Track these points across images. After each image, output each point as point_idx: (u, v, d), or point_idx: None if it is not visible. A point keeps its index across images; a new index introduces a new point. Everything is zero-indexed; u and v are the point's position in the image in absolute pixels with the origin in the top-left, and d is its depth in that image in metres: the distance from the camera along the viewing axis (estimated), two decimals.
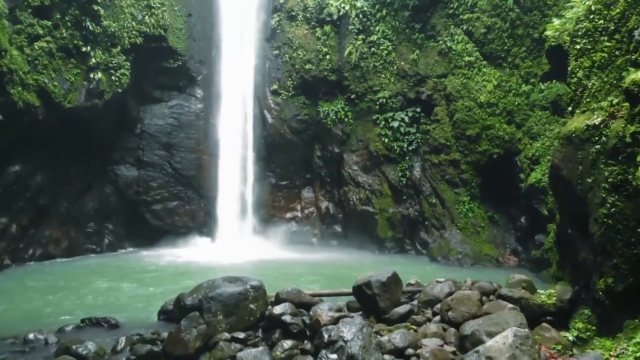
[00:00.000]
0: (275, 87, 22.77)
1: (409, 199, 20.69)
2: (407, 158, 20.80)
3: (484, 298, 9.54)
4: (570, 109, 10.08)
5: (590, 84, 9.51)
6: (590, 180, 9.04)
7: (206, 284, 9.36)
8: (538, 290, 9.84)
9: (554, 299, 9.62)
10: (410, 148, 20.77)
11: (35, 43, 16.79)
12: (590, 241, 9.21)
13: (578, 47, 9.86)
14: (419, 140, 20.74)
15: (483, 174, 19.31)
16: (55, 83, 17.30)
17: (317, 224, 23.01)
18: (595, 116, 9.11)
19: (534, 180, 16.16)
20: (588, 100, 9.51)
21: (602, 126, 8.86)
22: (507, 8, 18.35)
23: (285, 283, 14.46)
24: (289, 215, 23.19)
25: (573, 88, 9.93)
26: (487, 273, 16.81)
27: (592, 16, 9.70)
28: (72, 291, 13.60)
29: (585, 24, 9.80)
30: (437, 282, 10.16)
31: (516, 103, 18.23)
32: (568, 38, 10.13)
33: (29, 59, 16.56)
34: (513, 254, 18.46)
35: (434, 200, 19.76)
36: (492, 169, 19.06)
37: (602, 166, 8.72)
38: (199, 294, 9.07)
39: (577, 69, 9.85)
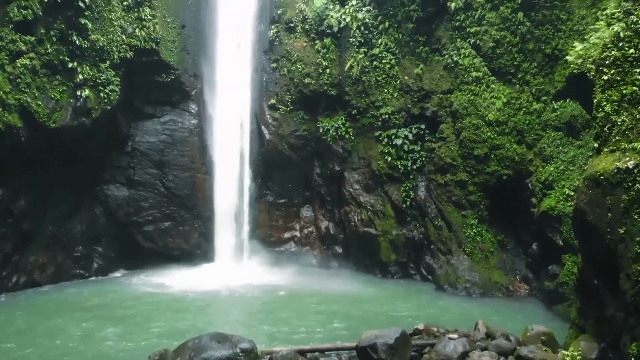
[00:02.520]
0: (273, 101, 21.78)
1: (413, 221, 19.69)
2: (411, 177, 19.80)
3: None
4: (596, 145, 9.09)
5: (620, 120, 8.53)
6: (622, 230, 8.06)
7: (192, 343, 8.41)
8: (561, 351, 8.88)
9: (578, 359, 8.65)
10: (414, 167, 19.77)
11: (18, 60, 15.83)
12: (621, 298, 8.22)
13: (605, 77, 8.88)
14: (423, 159, 19.74)
15: (491, 195, 18.32)
16: (39, 102, 16.34)
17: (316, 245, 22.00)
18: (627, 158, 8.14)
19: (547, 207, 15.16)
20: (618, 138, 8.53)
21: (635, 171, 7.89)
22: (517, 21, 17.35)
23: (281, 323, 13.59)
24: (287, 235, 22.18)
25: (600, 123, 8.95)
26: (497, 305, 15.92)
27: (621, 44, 8.72)
28: (42, 336, 12.38)
29: (613, 52, 8.82)
30: (450, 338, 9.17)
31: (527, 122, 17.22)
32: (593, 66, 9.14)
33: (11, 77, 15.63)
34: (524, 281, 17.47)
35: (439, 223, 18.76)
36: (501, 190, 18.08)
37: (636, 217, 7.76)
38: (183, 357, 8.10)
39: (605, 102, 8.87)
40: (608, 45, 8.98)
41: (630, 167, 7.92)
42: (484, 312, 14.63)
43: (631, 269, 7.82)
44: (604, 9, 14.42)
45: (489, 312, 14.79)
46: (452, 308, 15.34)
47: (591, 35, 9.88)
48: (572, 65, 9.75)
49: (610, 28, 8.96)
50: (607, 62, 8.90)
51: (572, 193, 14.68)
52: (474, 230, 18.14)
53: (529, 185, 16.93)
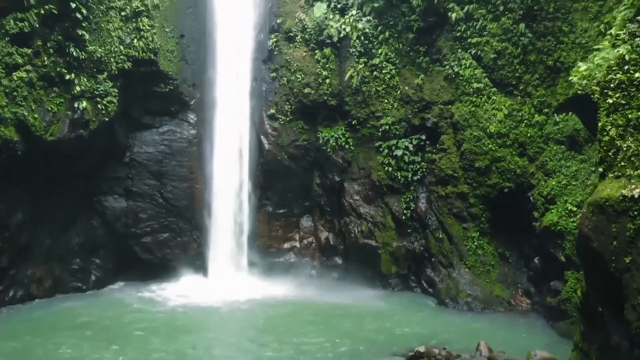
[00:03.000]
0: (272, 111, 21.59)
1: (414, 233, 19.52)
2: (411, 189, 19.62)
3: None
4: (601, 170, 8.91)
5: (625, 145, 8.36)
6: (627, 260, 7.89)
7: None
8: None
9: None
10: (414, 178, 19.59)
11: (14, 73, 15.66)
12: (626, 328, 8.05)
13: (610, 101, 8.70)
14: (424, 170, 19.56)
15: (493, 208, 18.14)
16: (36, 115, 16.16)
17: (316, 255, 21.82)
18: (633, 186, 7.96)
19: (549, 222, 14.98)
20: (623, 164, 8.35)
21: None
22: (518, 33, 17.16)
23: (284, 345, 13.31)
24: (286, 245, 21.99)
25: (605, 147, 8.77)
26: (499, 320, 15.79)
27: (626, 67, 8.55)
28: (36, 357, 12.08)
29: (618, 75, 8.64)
30: None
31: (528, 135, 17.04)
32: (597, 88, 8.96)
33: (7, 90, 15.46)
34: (525, 295, 17.28)
35: (440, 235, 18.59)
36: (503, 203, 17.89)
37: None
38: None
39: (609, 127, 8.69)
40: (613, 68, 8.80)
41: (636, 195, 7.75)
42: (486, 329, 14.51)
43: (637, 299, 7.65)
44: (607, 22, 14.39)
45: (491, 329, 14.64)
46: (454, 324, 15.17)
47: (595, 55, 9.69)
48: (576, 86, 9.57)
49: (616, 50, 8.77)
50: (612, 85, 8.72)
51: (574, 209, 14.54)
52: (475, 243, 17.97)
53: (531, 198, 16.75)
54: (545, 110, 16.93)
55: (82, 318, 15.60)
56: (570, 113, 15.83)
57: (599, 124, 8.92)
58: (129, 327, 14.76)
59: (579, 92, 9.48)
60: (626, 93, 8.50)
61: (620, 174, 8.36)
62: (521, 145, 17.24)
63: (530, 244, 17.22)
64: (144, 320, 15.24)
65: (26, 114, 15.84)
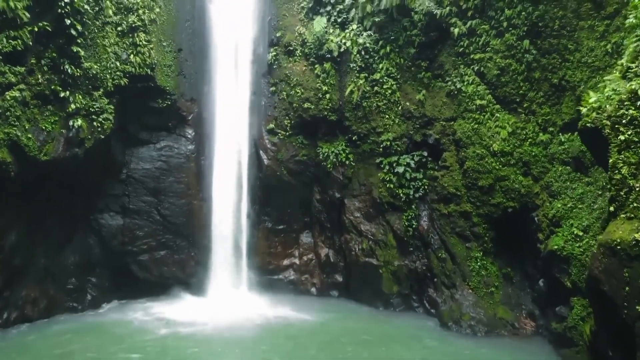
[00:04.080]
0: (271, 125, 21.25)
1: (415, 251, 19.15)
2: (413, 206, 19.26)
3: None
4: (612, 209, 8.56)
5: (638, 185, 8.01)
6: None
7: None
8: None
9: None
10: (416, 195, 19.23)
11: (7, 93, 15.25)
12: None
13: (622, 137, 8.37)
14: (426, 187, 19.21)
15: (496, 227, 17.78)
16: (30, 135, 15.79)
17: (316, 273, 21.46)
18: None
19: (555, 246, 14.61)
20: (636, 205, 8.01)
21: None
22: (522, 49, 16.80)
23: None
24: (286, 262, 21.64)
25: (616, 186, 8.42)
26: (503, 346, 15.44)
27: (639, 102, 8.21)
28: None
29: (630, 110, 8.32)
30: None
31: (533, 154, 16.68)
32: (608, 123, 8.61)
33: (0, 111, 15.09)
34: (530, 317, 16.92)
35: (443, 255, 18.22)
36: (506, 222, 17.53)
37: None
38: None
39: (621, 164, 8.35)
40: (625, 102, 8.48)
41: None
42: (491, 356, 14.15)
43: None
44: (614, 42, 14.05)
45: (495, 356, 14.29)
46: (458, 351, 14.80)
47: (605, 86, 9.34)
48: (585, 118, 9.21)
49: (628, 84, 8.42)
50: (623, 121, 8.39)
51: (580, 233, 14.19)
52: (478, 263, 17.60)
53: (535, 219, 16.40)
54: (550, 128, 16.57)
55: (76, 344, 15.20)
56: (575, 133, 15.44)
57: (610, 161, 8.58)
58: (125, 352, 14.39)
59: (588, 124, 9.10)
60: (639, 130, 8.16)
61: (632, 215, 8.02)
62: (525, 164, 16.88)
63: (534, 264, 16.87)
64: (139, 348, 14.80)
65: (19, 134, 15.48)
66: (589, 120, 9.10)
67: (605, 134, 8.72)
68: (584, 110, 9.40)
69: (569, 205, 14.93)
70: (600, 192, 14.22)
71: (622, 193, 8.29)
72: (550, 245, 14.83)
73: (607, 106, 8.82)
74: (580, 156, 15.10)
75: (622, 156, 8.31)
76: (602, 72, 14.38)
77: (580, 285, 13.88)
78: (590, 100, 9.25)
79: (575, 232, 14.28)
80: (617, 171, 8.42)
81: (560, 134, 16.13)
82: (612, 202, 8.56)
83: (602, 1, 14.49)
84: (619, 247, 7.93)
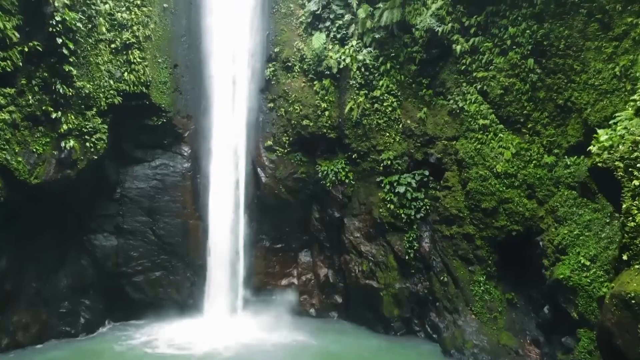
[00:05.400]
0: (269, 142, 20.81)
1: (417, 274, 18.69)
2: (414, 227, 18.80)
3: None
4: (625, 258, 8.08)
5: None
6: None
7: None
8: None
9: None
10: (418, 216, 18.77)
11: None
12: None
13: (637, 182, 7.89)
14: (427, 208, 18.75)
15: (500, 250, 17.30)
16: (20, 158, 15.34)
17: (315, 293, 21.01)
18: None
19: (561, 275, 14.12)
20: None
21: None
22: (527, 68, 16.31)
23: None
24: (284, 282, 21.20)
25: (630, 234, 7.95)
26: None
27: None
28: None
29: None
30: None
31: (537, 176, 16.19)
32: (621, 165, 8.14)
33: None
34: (534, 344, 16.42)
35: (445, 279, 17.75)
36: (510, 245, 17.05)
37: None
38: None
39: (635, 211, 7.88)
40: (639, 144, 7.99)
41: None
42: None
43: None
44: (623, 65, 13.57)
45: None
46: None
47: (617, 123, 8.87)
48: (595, 158, 8.75)
49: None
50: (638, 165, 7.91)
51: (587, 263, 13.71)
52: (481, 288, 17.13)
53: (540, 244, 15.92)
54: (555, 150, 16.08)
55: None
56: (582, 157, 15.00)
57: (623, 206, 8.10)
58: None
59: (599, 164, 8.64)
60: None
61: None
62: (530, 187, 16.39)
63: (539, 289, 16.37)
64: None
65: (9, 158, 15.03)
66: (600, 160, 8.62)
67: (617, 177, 8.25)
68: (594, 148, 8.92)
69: (575, 233, 14.44)
70: (608, 221, 13.75)
71: (636, 242, 7.82)
72: (556, 274, 14.35)
73: (620, 146, 8.36)
74: (587, 181, 14.58)
75: (637, 202, 7.84)
76: (610, 96, 13.95)
77: (587, 317, 13.43)
78: (602, 139, 8.78)
79: (582, 262, 13.80)
80: (631, 218, 7.94)
81: (565, 156, 15.63)
82: (625, 249, 8.08)
83: (609, 22, 13.99)
84: (633, 301, 7.46)
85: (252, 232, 20.98)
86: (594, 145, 8.95)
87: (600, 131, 9.00)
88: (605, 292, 12.46)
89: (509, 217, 16.71)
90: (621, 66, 13.51)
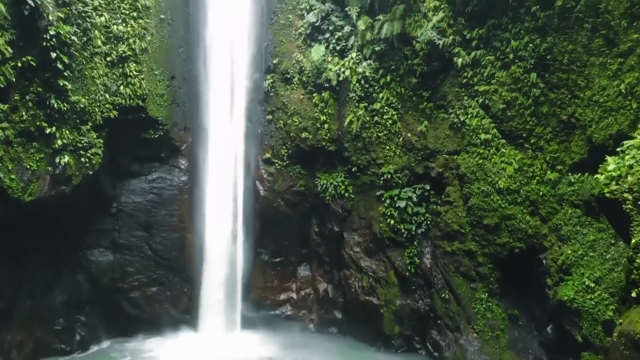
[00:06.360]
0: (268, 155, 20.52)
1: (418, 290, 18.39)
2: (415, 242, 18.49)
3: None
4: (634, 295, 7.79)
5: None
6: None
7: None
8: None
9: None
10: (419, 231, 18.46)
11: None
12: None
13: None
14: (428, 223, 18.44)
15: (502, 267, 17.00)
16: (13, 176, 15.03)
17: (314, 308, 20.71)
18: None
19: (565, 297, 13.83)
20: None
21: None
22: (529, 82, 16.02)
23: None
24: (282, 297, 20.89)
25: (639, 269, 7.66)
26: None
27: None
28: None
29: None
30: None
31: (540, 193, 15.89)
32: (630, 197, 7.84)
33: None
34: None
35: (447, 296, 17.45)
36: (513, 261, 16.75)
37: None
38: None
39: None
40: None
41: None
42: None
43: None
44: (628, 82, 13.26)
45: None
46: None
47: (626, 152, 8.57)
48: (603, 188, 8.45)
49: None
50: None
51: (592, 285, 13.43)
52: (483, 305, 16.84)
53: (543, 262, 15.63)
54: (559, 167, 15.77)
55: None
56: (586, 174, 14.71)
57: (633, 241, 7.81)
58: None
59: (606, 194, 8.35)
60: None
61: None
62: (533, 203, 16.09)
63: (542, 307, 16.08)
64: None
65: (2, 175, 14.72)
66: (608, 191, 8.32)
67: (626, 210, 7.96)
68: (601, 177, 8.63)
69: (579, 253, 14.14)
70: (613, 241, 13.46)
71: None
72: (560, 295, 14.06)
73: (629, 177, 8.06)
74: (591, 200, 14.29)
75: None
76: (615, 114, 13.65)
77: (591, 340, 13.15)
78: (609, 167, 8.48)
79: (586, 283, 13.51)
80: (639, 252, 7.66)
81: (569, 173, 15.32)
82: (634, 286, 7.79)
83: (614, 38, 13.69)
84: None
85: (251, 246, 20.68)
86: (601, 174, 8.64)
87: (608, 159, 8.72)
88: (611, 316, 12.22)
89: (512, 234, 16.42)
90: (626, 84, 13.21)
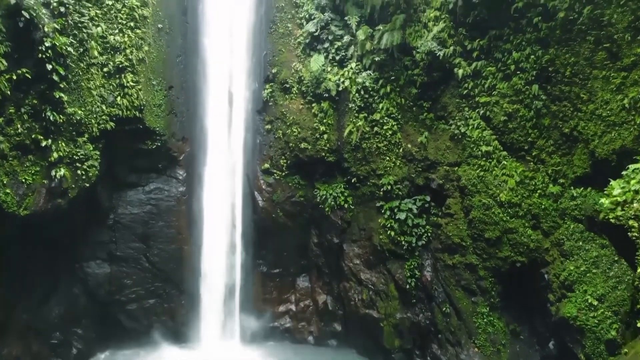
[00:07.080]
0: (267, 165, 20.31)
1: (419, 303, 18.17)
2: (416, 255, 18.29)
3: None
4: (639, 324, 7.58)
5: None
6: None
7: None
8: None
9: None
10: (419, 243, 18.25)
11: None
12: None
13: None
14: (429, 235, 18.23)
15: (504, 280, 16.78)
16: (7, 190, 14.82)
17: (313, 320, 20.50)
18: None
19: (567, 314, 13.62)
20: None
21: None
22: (531, 94, 15.79)
23: None
24: (282, 308, 20.69)
25: None
26: None
27: None
28: None
29: None
30: None
31: (542, 206, 15.67)
32: (636, 225, 7.62)
33: None
34: None
35: (447, 310, 17.24)
36: (515, 275, 16.54)
37: None
38: None
39: None
40: None
41: None
42: None
43: None
44: (632, 97, 13.04)
45: None
46: None
47: (631, 175, 8.36)
48: (609, 213, 8.24)
49: None
50: None
51: (595, 302, 13.21)
52: (485, 320, 16.62)
53: (545, 276, 15.40)
54: (561, 180, 15.54)
55: None
56: (589, 189, 14.49)
57: (638, 270, 7.59)
58: None
59: (611, 219, 8.15)
60: None
61: None
62: (534, 217, 15.87)
63: (543, 321, 15.88)
64: None
65: None
66: (614, 217, 8.11)
67: (632, 237, 7.75)
68: (606, 202, 8.42)
69: (582, 269, 13.92)
70: (616, 258, 13.24)
71: None
72: (563, 312, 13.84)
73: (635, 203, 7.85)
74: (594, 215, 14.03)
75: None
76: (618, 129, 13.42)
77: (594, 359, 12.91)
78: (614, 193, 8.27)
79: (589, 301, 13.29)
80: None
81: (572, 187, 15.09)
82: None
83: (618, 51, 13.47)
84: None
85: (249, 257, 20.51)
86: (606, 199, 8.43)
87: (613, 183, 8.50)
88: (614, 336, 12.01)
89: (513, 247, 16.20)
90: (630, 98, 12.98)
